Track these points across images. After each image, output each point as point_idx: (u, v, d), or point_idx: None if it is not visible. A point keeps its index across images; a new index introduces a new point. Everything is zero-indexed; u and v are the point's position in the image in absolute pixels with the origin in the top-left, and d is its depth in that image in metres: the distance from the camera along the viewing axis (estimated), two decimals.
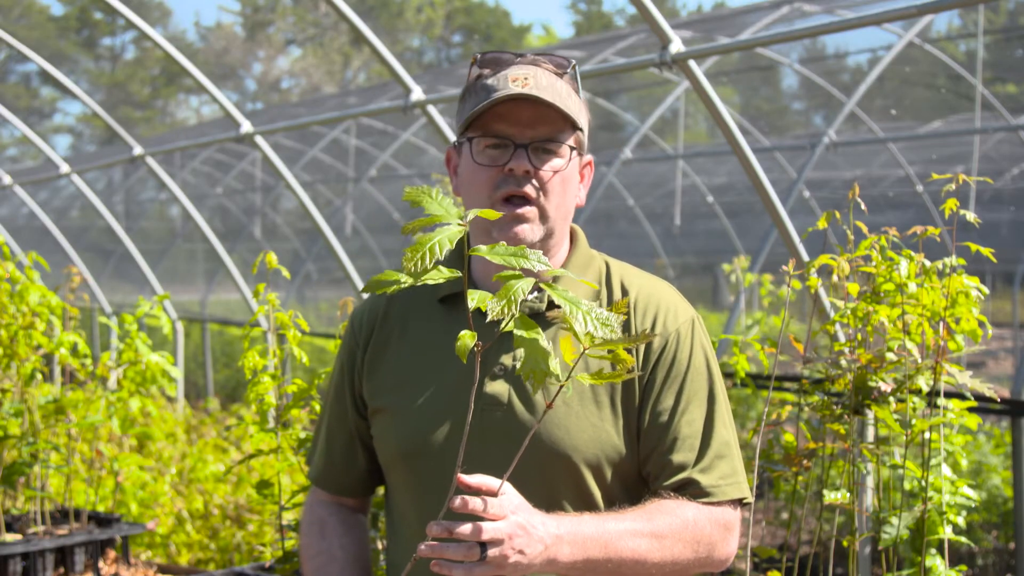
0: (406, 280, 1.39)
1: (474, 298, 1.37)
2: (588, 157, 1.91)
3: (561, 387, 1.49)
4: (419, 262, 1.37)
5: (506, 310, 1.36)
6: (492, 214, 1.44)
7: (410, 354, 1.90)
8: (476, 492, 1.59)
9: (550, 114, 1.79)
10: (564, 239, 1.91)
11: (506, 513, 1.58)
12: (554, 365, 1.43)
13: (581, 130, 1.85)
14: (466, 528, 1.55)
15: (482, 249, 1.41)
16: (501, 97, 1.76)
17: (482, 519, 1.57)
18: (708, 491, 1.80)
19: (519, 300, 1.37)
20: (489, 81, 1.81)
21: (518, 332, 1.40)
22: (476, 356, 1.45)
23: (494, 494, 1.59)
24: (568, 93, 1.82)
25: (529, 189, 1.79)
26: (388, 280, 1.40)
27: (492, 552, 1.55)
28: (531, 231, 1.80)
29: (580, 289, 1.88)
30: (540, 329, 1.42)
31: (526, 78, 1.78)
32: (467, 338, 1.39)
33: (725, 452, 1.83)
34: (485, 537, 1.55)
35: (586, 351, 1.44)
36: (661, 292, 1.91)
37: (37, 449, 3.81)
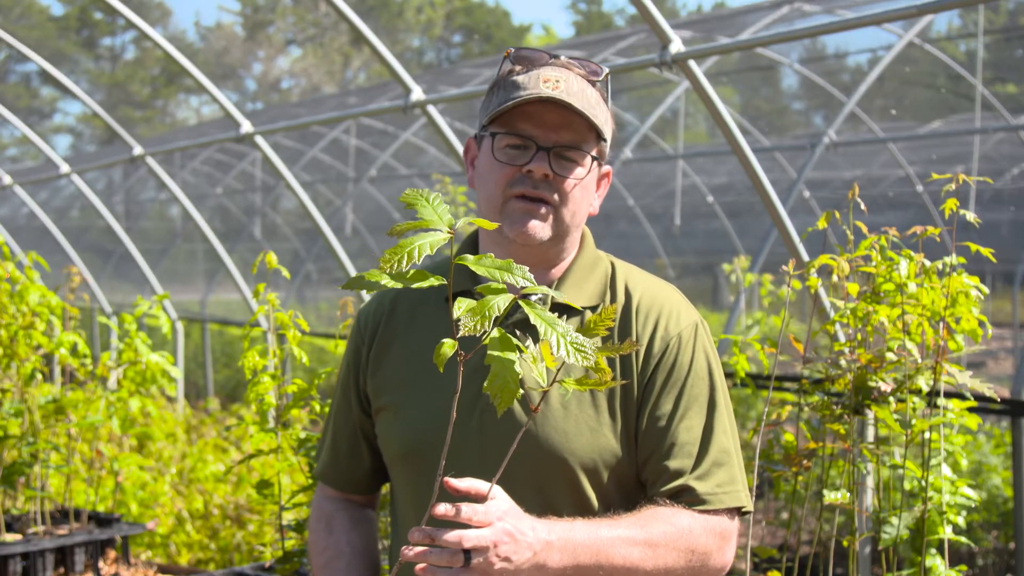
0: (389, 282, 1.37)
1: (460, 307, 1.35)
2: (607, 168, 1.90)
3: (545, 393, 1.47)
4: (396, 264, 1.35)
5: (479, 326, 1.34)
6: (488, 225, 1.42)
7: (414, 353, 1.89)
8: (464, 496, 1.58)
9: (577, 121, 1.78)
10: (575, 245, 1.90)
11: (492, 520, 1.56)
12: (541, 372, 1.41)
13: (605, 140, 1.83)
14: (449, 536, 1.54)
15: (468, 259, 1.39)
16: (531, 96, 1.75)
17: (468, 526, 1.56)
18: (704, 499, 1.77)
19: (494, 316, 1.34)
20: (520, 79, 1.79)
21: (492, 352, 1.38)
22: (459, 364, 1.43)
23: (483, 498, 1.57)
24: (597, 102, 1.81)
25: (546, 193, 1.78)
26: (371, 280, 1.38)
27: (476, 560, 1.54)
28: (542, 228, 1.79)
29: (585, 290, 1.87)
30: (517, 348, 1.40)
31: (558, 80, 1.77)
32: (447, 347, 1.36)
33: (724, 460, 1.80)
34: (468, 545, 1.54)
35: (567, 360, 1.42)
36: (665, 296, 1.89)
37: (37, 449, 3.81)
